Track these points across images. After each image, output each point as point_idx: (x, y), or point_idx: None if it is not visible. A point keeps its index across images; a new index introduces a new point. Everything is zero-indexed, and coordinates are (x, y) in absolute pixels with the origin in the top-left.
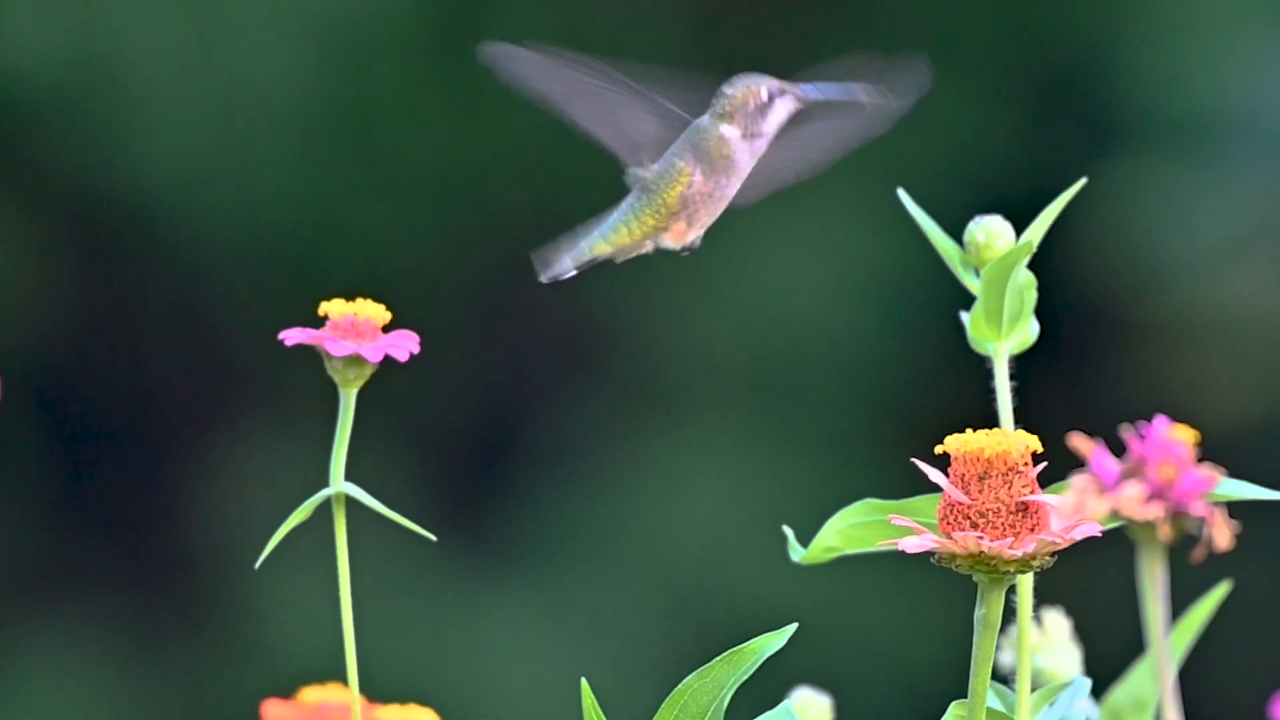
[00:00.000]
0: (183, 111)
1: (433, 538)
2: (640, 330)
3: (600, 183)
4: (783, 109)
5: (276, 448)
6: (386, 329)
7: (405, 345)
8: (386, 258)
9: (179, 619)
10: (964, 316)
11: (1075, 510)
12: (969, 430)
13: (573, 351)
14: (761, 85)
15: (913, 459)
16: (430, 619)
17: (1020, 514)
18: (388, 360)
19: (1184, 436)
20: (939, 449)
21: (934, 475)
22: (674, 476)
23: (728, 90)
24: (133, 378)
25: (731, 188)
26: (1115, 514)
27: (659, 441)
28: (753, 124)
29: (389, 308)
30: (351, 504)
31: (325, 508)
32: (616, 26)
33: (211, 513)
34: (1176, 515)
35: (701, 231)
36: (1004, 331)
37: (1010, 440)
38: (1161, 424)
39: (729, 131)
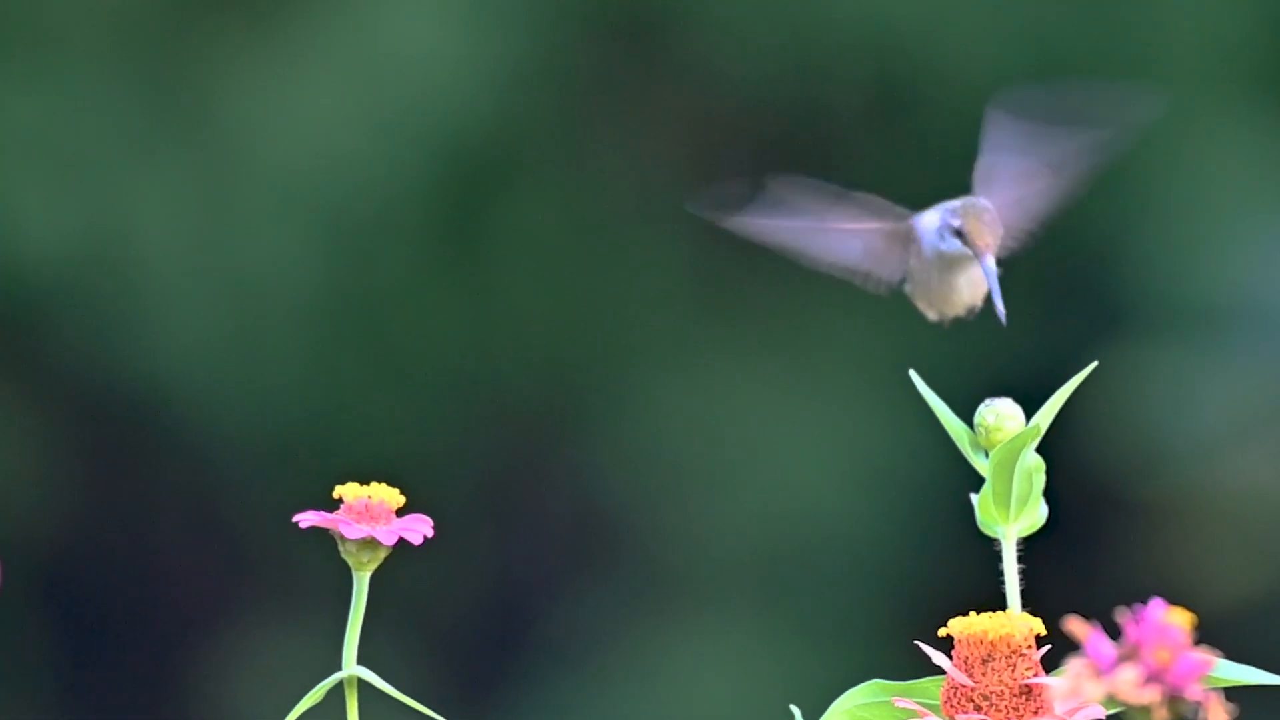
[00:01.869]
0: (192, 303)
1: None
2: (649, 520)
3: (609, 370)
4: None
5: (288, 635)
6: (400, 513)
7: (419, 529)
8: (397, 446)
9: None
10: (973, 499)
11: (1071, 694)
12: (974, 613)
13: (582, 541)
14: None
15: (916, 641)
16: None
17: (1024, 697)
18: (400, 546)
19: (1180, 620)
20: (943, 631)
21: (937, 658)
22: (682, 666)
23: (957, 217)
24: (143, 569)
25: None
26: (1112, 698)
27: (667, 631)
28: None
29: (401, 493)
30: (365, 689)
31: (338, 692)
32: (621, 215)
33: (224, 703)
34: (1173, 699)
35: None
36: (1013, 514)
37: (1014, 623)
38: (1157, 607)
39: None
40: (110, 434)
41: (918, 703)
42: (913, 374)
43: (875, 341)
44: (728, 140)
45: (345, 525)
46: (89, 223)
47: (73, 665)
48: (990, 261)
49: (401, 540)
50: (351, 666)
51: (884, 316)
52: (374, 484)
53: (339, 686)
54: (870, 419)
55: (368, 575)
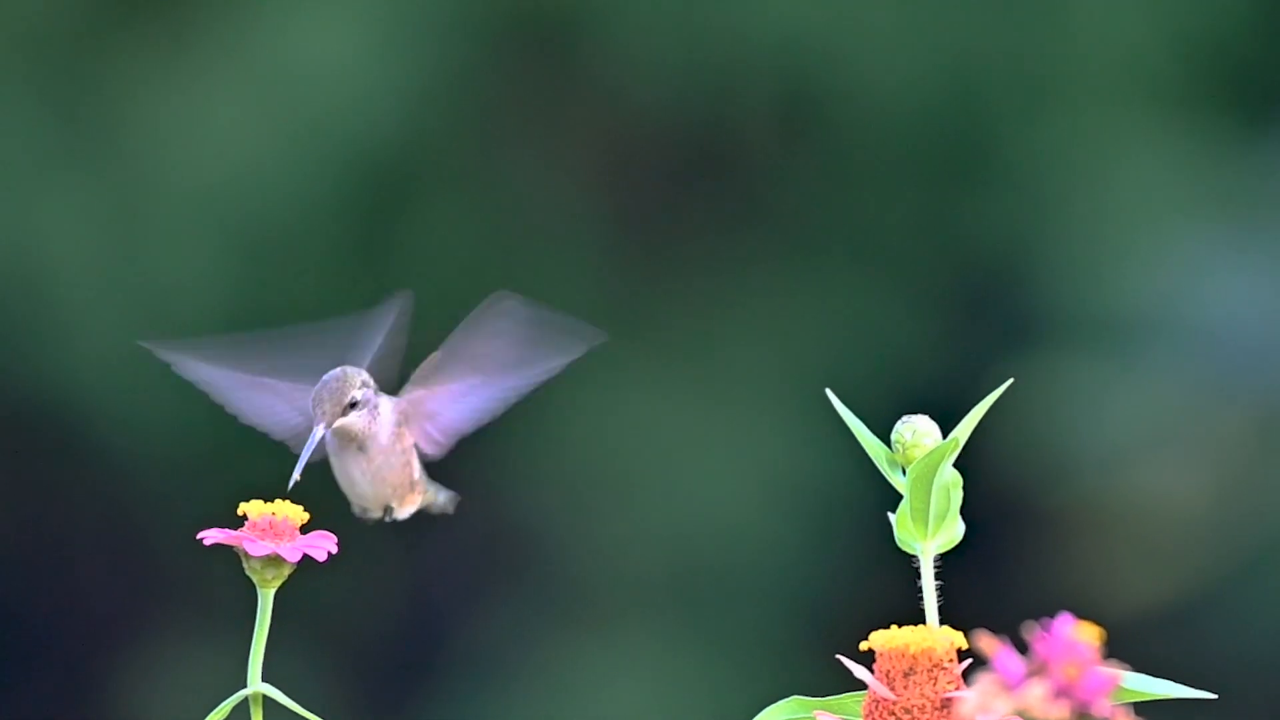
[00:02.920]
0: (104, 316)
1: None
2: (558, 535)
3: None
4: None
5: (201, 649)
6: (304, 529)
7: (323, 545)
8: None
9: None
10: (891, 517)
11: (980, 709)
12: (894, 627)
13: (492, 555)
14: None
15: (838, 656)
16: None
17: (944, 711)
18: (307, 562)
19: (1088, 635)
20: (864, 645)
21: (859, 672)
22: (593, 681)
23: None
24: (57, 580)
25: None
26: (1022, 713)
27: (577, 645)
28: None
29: (308, 510)
30: (271, 705)
31: (244, 709)
32: (532, 230)
33: (137, 716)
34: (1081, 714)
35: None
36: (930, 530)
37: (934, 637)
38: (1065, 622)
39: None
40: (24, 446)
41: (838, 718)
42: (829, 393)
43: (790, 359)
44: (638, 154)
45: (249, 542)
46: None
47: None
48: (319, 430)
49: (311, 557)
50: (256, 683)
51: (798, 334)
52: (278, 501)
53: (246, 703)
54: (786, 436)
55: (272, 591)
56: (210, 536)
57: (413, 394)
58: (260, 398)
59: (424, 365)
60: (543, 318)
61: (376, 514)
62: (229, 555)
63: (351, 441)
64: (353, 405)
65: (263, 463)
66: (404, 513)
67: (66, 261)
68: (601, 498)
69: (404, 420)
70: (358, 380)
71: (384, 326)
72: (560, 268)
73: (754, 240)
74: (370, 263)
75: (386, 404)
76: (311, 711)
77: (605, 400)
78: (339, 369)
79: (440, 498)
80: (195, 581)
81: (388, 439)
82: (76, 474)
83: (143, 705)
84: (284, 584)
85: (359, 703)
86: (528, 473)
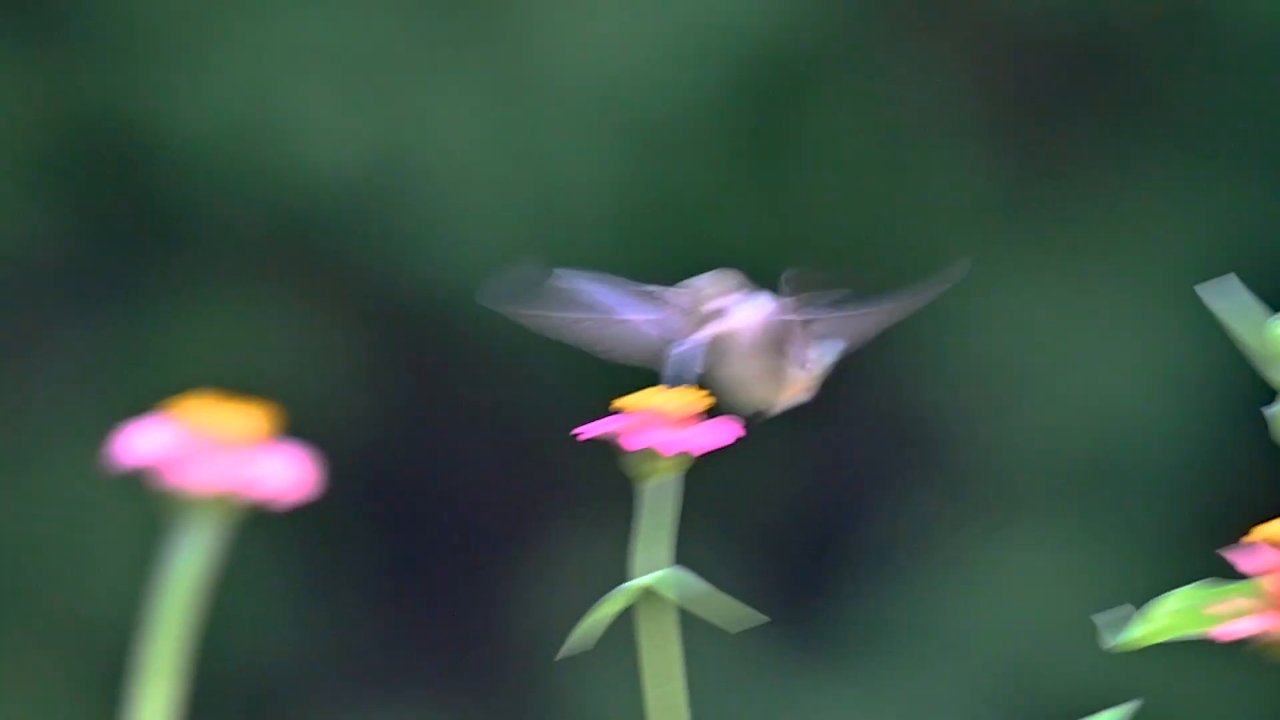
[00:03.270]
0: (487, 213)
1: (731, 630)
2: (962, 427)
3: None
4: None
5: (592, 541)
6: (696, 419)
7: (703, 439)
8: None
9: (502, 711)
10: (1268, 412)
11: None
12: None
13: (894, 447)
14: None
15: (1223, 548)
16: (748, 716)
17: None
18: (710, 452)
19: None
20: (1253, 536)
21: (1259, 558)
22: (999, 572)
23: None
24: (445, 475)
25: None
26: None
27: (980, 537)
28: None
29: (706, 400)
30: (661, 598)
31: (642, 600)
32: (920, 125)
33: (535, 608)
34: None
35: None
36: None
37: None
38: None
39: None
40: (413, 345)
41: (1235, 606)
42: (1203, 289)
43: (1182, 250)
44: (1024, 45)
45: (629, 435)
46: (382, 134)
47: (391, 571)
48: (680, 345)
49: (701, 448)
50: (640, 576)
51: (1187, 227)
52: (658, 392)
53: (638, 593)
54: (1178, 327)
55: (657, 482)
56: (589, 430)
57: (790, 299)
58: (615, 332)
59: (808, 274)
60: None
61: (753, 411)
62: (612, 448)
63: (721, 344)
64: (714, 313)
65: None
66: (780, 407)
67: (456, 161)
68: (1001, 390)
69: (780, 322)
70: (716, 288)
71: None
72: (946, 163)
73: (1139, 134)
74: (757, 161)
75: (757, 307)
76: (701, 606)
77: (1002, 294)
78: (705, 275)
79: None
80: (591, 473)
81: (756, 340)
82: (464, 371)
83: (538, 600)
84: (673, 475)
85: (755, 596)
86: (931, 363)
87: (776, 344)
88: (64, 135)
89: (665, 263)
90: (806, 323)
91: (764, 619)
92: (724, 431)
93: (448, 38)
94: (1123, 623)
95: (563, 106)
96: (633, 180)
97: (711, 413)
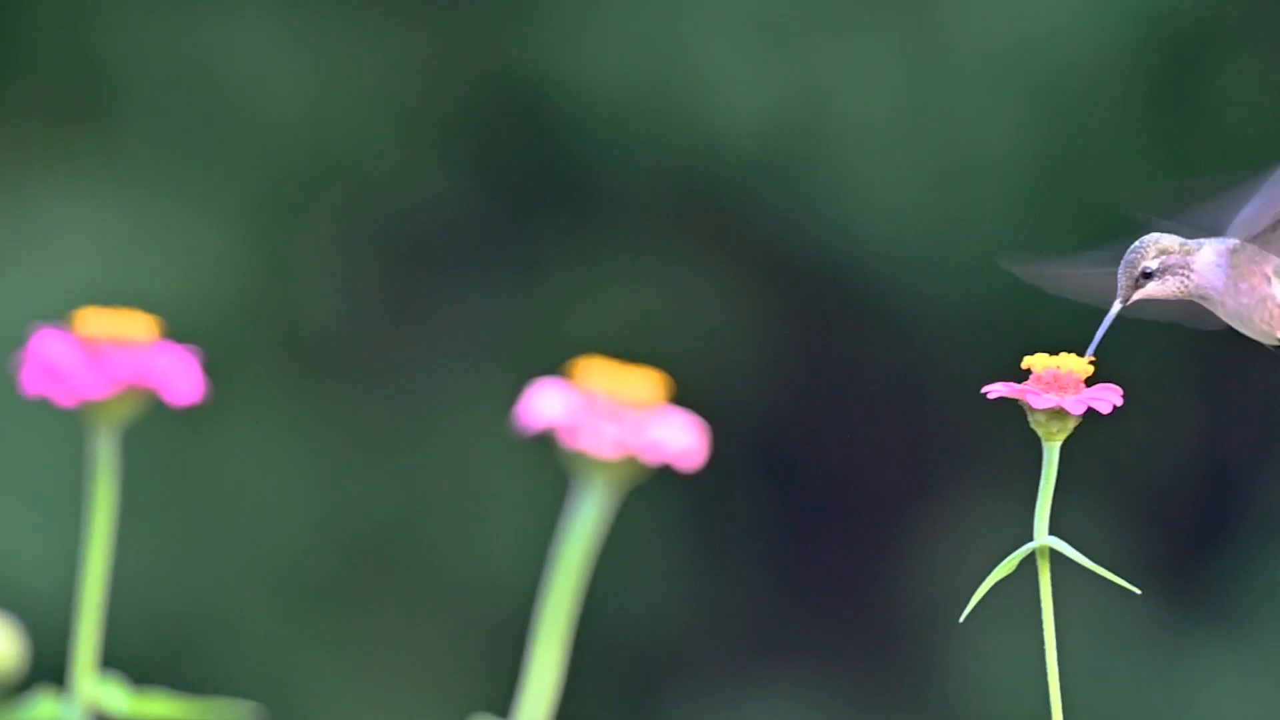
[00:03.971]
0: (896, 171)
1: (1137, 591)
2: None
3: None
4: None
5: (985, 505)
6: (1089, 382)
7: (1108, 398)
8: (1098, 315)
9: (893, 680)
10: None
11: None
12: None
13: None
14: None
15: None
16: (1137, 677)
17: None
18: (1091, 414)
19: None
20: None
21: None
22: None
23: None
24: (847, 437)
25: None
26: None
27: None
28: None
29: (1096, 362)
30: (1058, 559)
31: (1031, 563)
32: None
33: (924, 572)
34: None
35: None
36: None
37: None
38: None
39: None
40: (815, 305)
41: None
42: None
43: None
44: None
45: (1034, 395)
46: (790, 95)
47: (783, 537)
48: (1115, 307)
49: (1096, 409)
50: (1043, 537)
51: None
52: (1063, 354)
53: (1033, 557)
54: None
55: (1058, 445)
56: (995, 390)
57: (1247, 238)
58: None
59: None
60: None
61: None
62: (1017, 409)
63: (1191, 299)
64: (1146, 275)
65: (1051, 318)
66: None
67: (859, 115)
68: None
69: (1247, 254)
70: (1151, 251)
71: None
72: None
73: None
74: (1168, 121)
75: (1209, 255)
76: (1097, 564)
77: None
78: (1141, 239)
79: None
80: (984, 436)
81: (1223, 283)
82: (865, 330)
83: (933, 559)
84: (1071, 437)
85: (1146, 555)
86: None
87: (1239, 285)
88: (469, 96)
89: (1072, 226)
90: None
91: (1135, 590)
92: (1111, 396)
93: None
94: None
95: (973, 66)
96: (1040, 141)
97: (1097, 378)
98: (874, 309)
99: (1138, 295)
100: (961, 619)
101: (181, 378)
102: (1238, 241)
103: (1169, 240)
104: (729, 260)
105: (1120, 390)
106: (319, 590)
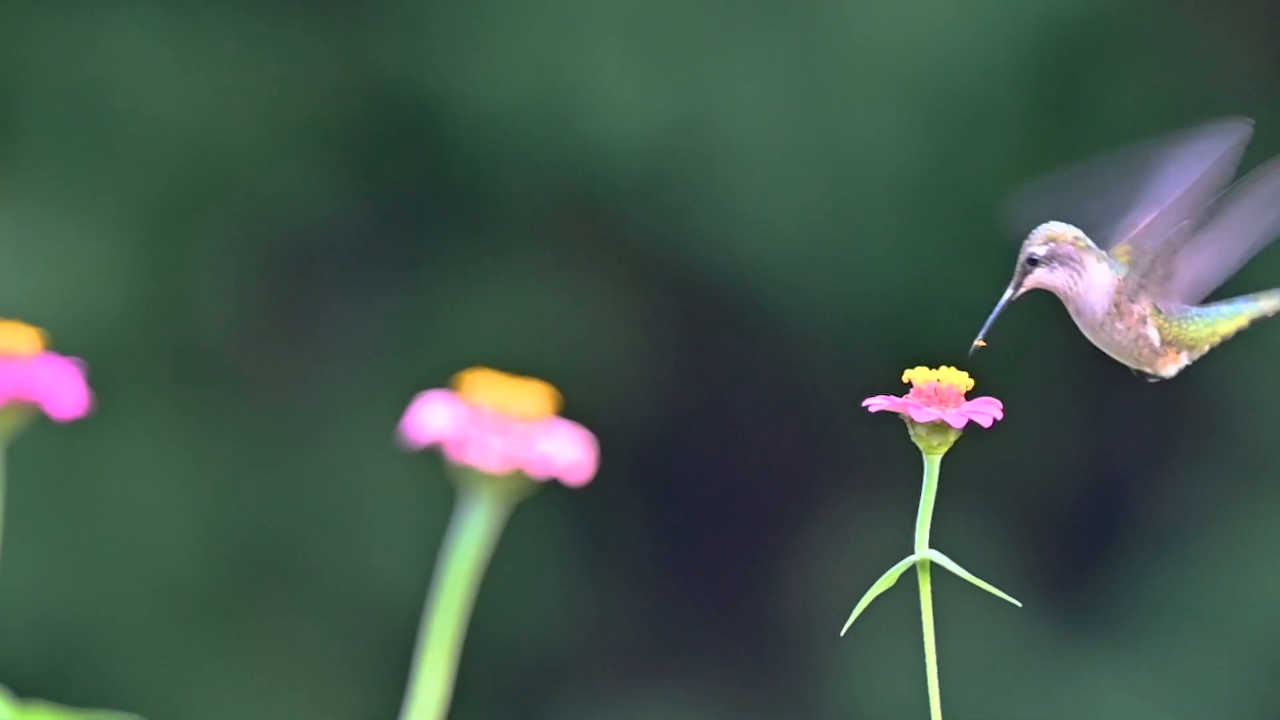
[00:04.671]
0: (782, 182)
1: (1018, 604)
2: (1247, 402)
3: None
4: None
5: (871, 516)
6: (969, 396)
7: (989, 411)
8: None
9: (779, 690)
10: None
11: None
12: None
13: (1174, 421)
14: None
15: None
16: (1023, 689)
17: None
18: (980, 426)
19: None
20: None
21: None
22: (1276, 546)
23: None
24: (729, 448)
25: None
26: None
27: (1267, 514)
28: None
29: (976, 376)
30: (939, 572)
31: (913, 576)
32: (1224, 89)
33: (809, 583)
34: None
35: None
36: None
37: None
38: None
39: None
40: (699, 316)
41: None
42: None
43: None
44: None
45: (914, 409)
46: (676, 104)
47: (667, 542)
48: (1007, 293)
49: (977, 423)
50: (924, 550)
51: None
52: (943, 368)
53: (914, 569)
54: None
55: (938, 458)
56: (875, 403)
57: (1142, 258)
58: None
59: (1148, 225)
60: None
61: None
62: (901, 421)
63: (1068, 302)
64: (1032, 262)
65: (937, 330)
66: (1168, 373)
67: (751, 131)
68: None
69: (1129, 291)
70: (1039, 237)
71: (1207, 158)
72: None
73: None
74: (1058, 131)
75: (1100, 272)
76: (981, 580)
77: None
78: (1040, 226)
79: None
80: (869, 447)
81: (1103, 310)
82: (750, 342)
83: (818, 570)
84: (960, 449)
85: (1028, 569)
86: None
87: (1118, 313)
88: (359, 107)
89: (959, 234)
90: (1161, 272)
91: (1015, 603)
92: (991, 409)
93: (745, 5)
94: None
95: (861, 76)
96: (929, 152)
97: (978, 391)
98: (759, 319)
99: (1028, 283)
100: (843, 632)
101: (65, 390)
102: (1126, 274)
103: (1060, 229)
104: (615, 271)
105: (1000, 404)
106: (208, 600)
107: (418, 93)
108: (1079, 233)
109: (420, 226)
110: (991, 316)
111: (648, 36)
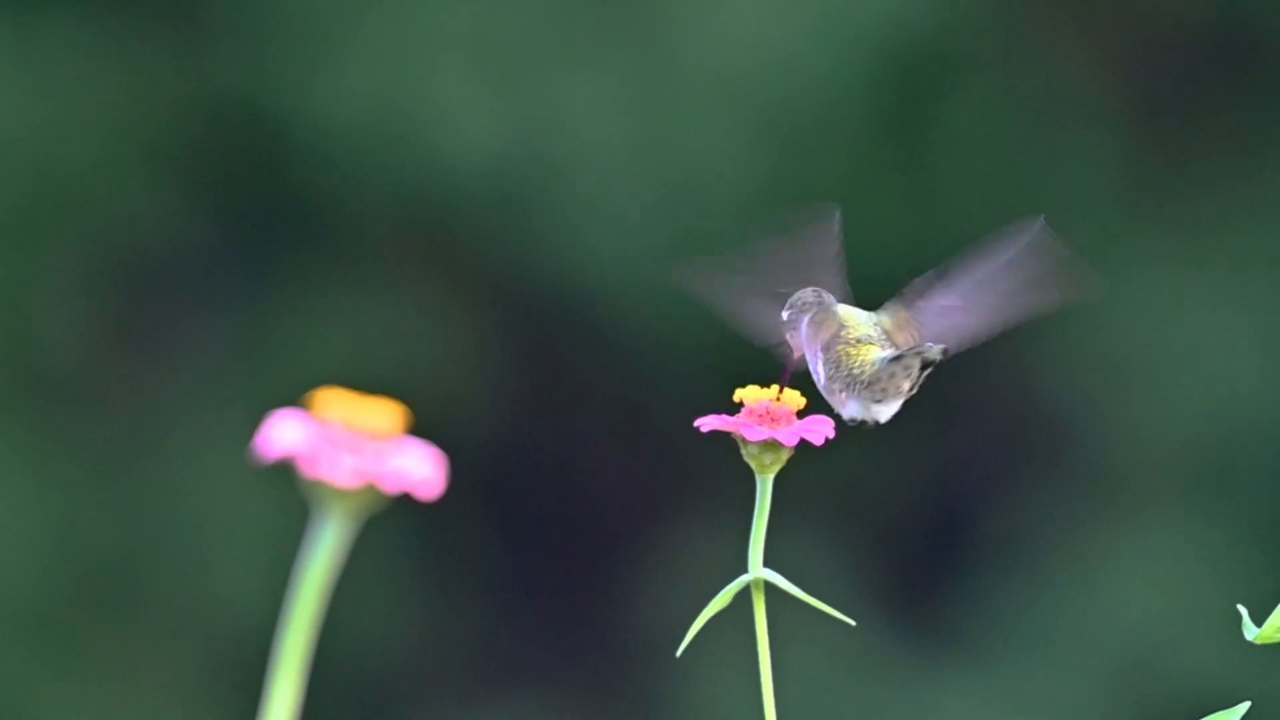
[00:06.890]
0: (624, 197)
1: (852, 623)
2: (1088, 418)
3: None
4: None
5: (713, 534)
6: (801, 414)
7: (821, 430)
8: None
9: (622, 708)
10: None
11: None
12: None
13: (1019, 439)
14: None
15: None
16: (866, 706)
17: None
18: (825, 444)
19: None
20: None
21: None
22: (1122, 565)
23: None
24: (570, 467)
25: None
26: None
27: (1107, 531)
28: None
29: (807, 395)
30: (781, 591)
31: (748, 595)
32: (1054, 117)
33: (650, 601)
34: None
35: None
36: None
37: None
38: None
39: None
40: (543, 334)
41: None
42: None
43: None
44: (1161, 39)
45: (746, 428)
46: (519, 124)
47: (511, 559)
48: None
49: (809, 441)
50: (758, 569)
51: None
52: (775, 387)
53: (749, 589)
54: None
55: (770, 477)
56: (707, 423)
57: (896, 310)
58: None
59: (922, 279)
60: (1058, 251)
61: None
62: (731, 441)
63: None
64: (783, 323)
65: (768, 353)
66: (883, 417)
67: (593, 151)
68: (1126, 381)
69: (836, 343)
70: (791, 300)
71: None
72: (1081, 152)
73: (1273, 124)
74: (898, 149)
75: (811, 327)
76: (818, 598)
77: (1134, 284)
78: (800, 291)
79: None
80: (711, 465)
81: (812, 357)
82: (592, 363)
83: (659, 588)
84: (801, 467)
85: (875, 590)
86: (1058, 354)
87: (824, 361)
88: (199, 125)
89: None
90: (914, 323)
91: (850, 622)
92: (823, 428)
93: (586, 26)
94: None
95: (702, 96)
96: (771, 169)
97: (810, 410)
98: (603, 337)
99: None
100: (678, 653)
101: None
102: (825, 342)
103: (809, 295)
104: (460, 288)
105: (833, 422)
106: (54, 621)
107: (261, 110)
108: (824, 301)
109: (265, 244)
110: (785, 375)
111: (490, 56)
